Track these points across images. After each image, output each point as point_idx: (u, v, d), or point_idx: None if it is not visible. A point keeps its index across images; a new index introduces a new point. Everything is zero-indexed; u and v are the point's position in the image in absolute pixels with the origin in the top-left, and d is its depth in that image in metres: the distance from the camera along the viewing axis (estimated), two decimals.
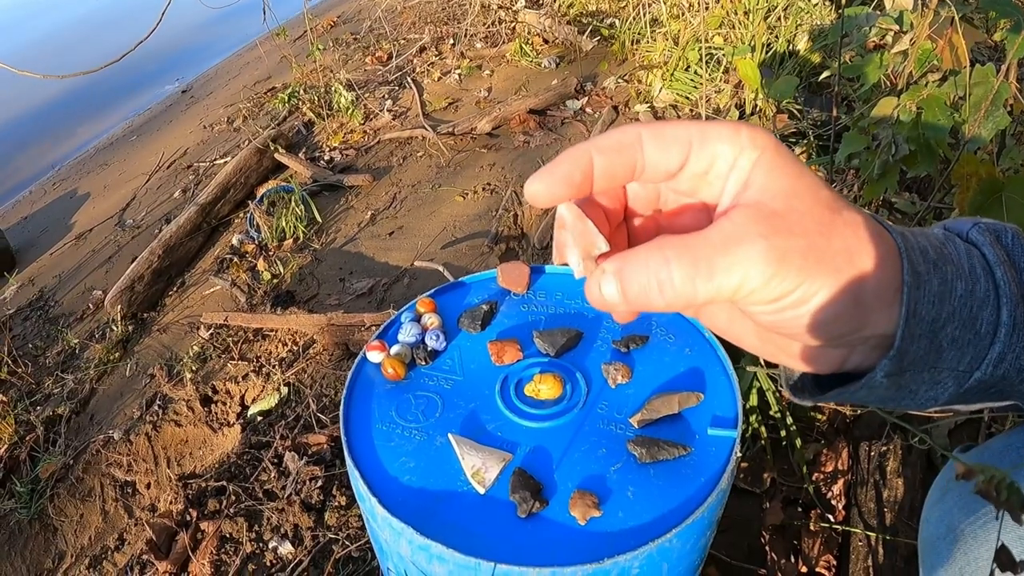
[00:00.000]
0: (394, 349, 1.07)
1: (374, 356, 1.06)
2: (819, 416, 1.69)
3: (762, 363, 1.58)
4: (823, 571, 1.45)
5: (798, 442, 1.58)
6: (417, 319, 1.12)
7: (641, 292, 0.42)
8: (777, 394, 1.61)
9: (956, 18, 1.38)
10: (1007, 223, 0.51)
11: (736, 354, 1.67)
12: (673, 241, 0.42)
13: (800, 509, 1.57)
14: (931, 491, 0.80)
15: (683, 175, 0.44)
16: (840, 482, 1.57)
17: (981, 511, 0.70)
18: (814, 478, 1.58)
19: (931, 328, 0.45)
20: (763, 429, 1.60)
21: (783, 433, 1.60)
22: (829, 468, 1.59)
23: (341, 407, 0.99)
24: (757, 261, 0.40)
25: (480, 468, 0.88)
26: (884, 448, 1.54)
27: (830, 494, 1.56)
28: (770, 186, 0.42)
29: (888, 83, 1.65)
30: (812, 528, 1.50)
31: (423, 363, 1.06)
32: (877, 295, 0.44)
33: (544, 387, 0.98)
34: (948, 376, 0.48)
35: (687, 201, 0.47)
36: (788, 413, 1.59)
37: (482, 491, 0.87)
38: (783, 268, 0.40)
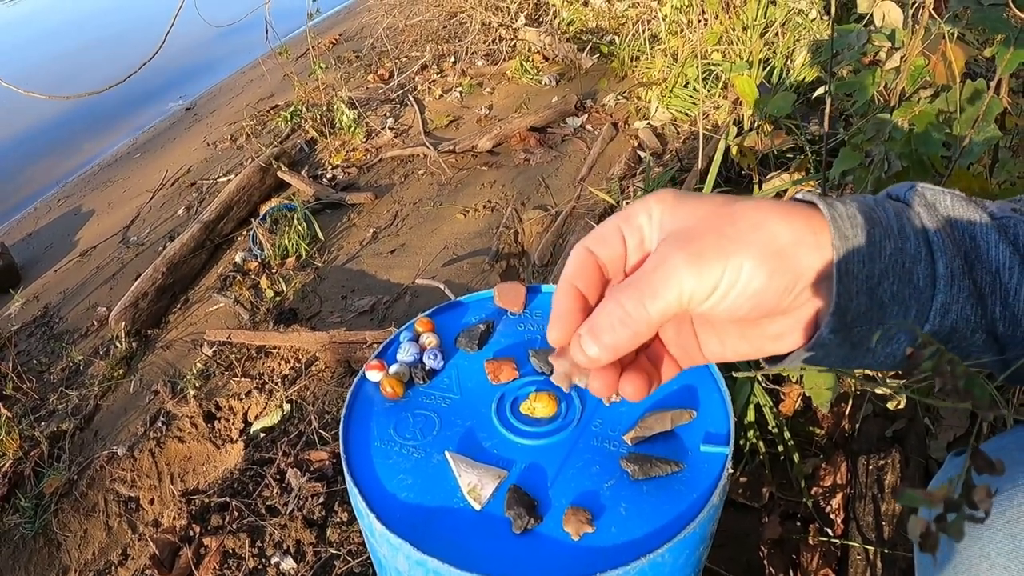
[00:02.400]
0: (393, 368, 1.08)
1: (373, 375, 1.07)
2: (818, 431, 1.70)
3: (759, 378, 1.59)
4: None
5: (796, 456, 1.59)
6: (415, 339, 1.14)
7: (610, 333, 0.52)
8: (774, 409, 1.62)
9: (946, 34, 1.40)
10: (952, 190, 0.55)
11: (730, 364, 1.68)
12: (619, 286, 0.52)
13: (799, 523, 1.58)
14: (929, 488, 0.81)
15: (629, 252, 0.55)
16: (839, 496, 1.58)
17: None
18: (812, 492, 1.59)
19: (867, 285, 0.50)
20: (761, 444, 1.61)
21: (781, 448, 1.60)
22: (828, 482, 1.60)
23: (340, 425, 1.01)
24: (681, 268, 0.49)
25: (476, 485, 0.89)
26: (882, 462, 1.54)
27: (828, 508, 1.57)
28: (676, 216, 0.52)
29: (882, 99, 1.66)
30: (810, 542, 1.51)
31: (421, 382, 1.07)
32: (796, 242, 0.50)
33: (539, 405, 0.99)
34: (899, 331, 0.53)
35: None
36: (786, 428, 1.60)
37: (478, 507, 0.88)
38: (704, 262, 0.49)
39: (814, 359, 0.55)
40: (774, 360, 0.59)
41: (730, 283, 0.49)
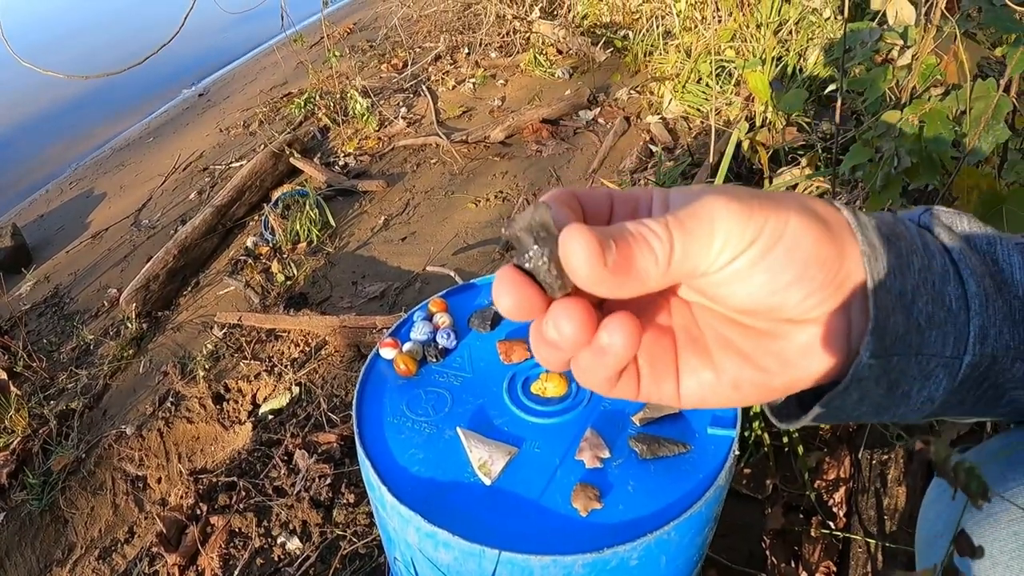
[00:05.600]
0: (406, 346, 1.10)
1: (387, 352, 1.09)
2: (822, 425, 1.71)
3: None
4: None
5: (800, 449, 1.60)
6: (429, 318, 1.16)
7: (624, 242, 0.39)
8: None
9: (959, 33, 1.41)
10: (963, 212, 0.50)
11: None
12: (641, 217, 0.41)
13: (801, 515, 1.59)
14: (928, 491, 0.81)
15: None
16: (841, 490, 1.59)
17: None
18: (816, 485, 1.60)
19: (901, 302, 0.44)
20: (766, 436, 1.62)
21: (786, 440, 1.62)
22: (831, 476, 1.61)
23: (354, 400, 1.03)
24: (720, 207, 0.39)
25: (487, 460, 0.91)
26: (886, 457, 1.56)
27: (831, 501, 1.58)
28: (695, 187, 0.42)
29: (893, 97, 1.68)
30: (813, 534, 1.52)
31: (434, 360, 1.09)
32: (839, 225, 0.43)
33: (550, 385, 1.01)
34: (938, 366, 0.46)
35: None
36: None
37: (488, 482, 0.90)
38: (746, 207, 0.40)
39: (845, 406, 0.47)
40: (786, 417, 0.52)
41: (773, 237, 0.40)
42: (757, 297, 0.42)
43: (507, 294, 0.39)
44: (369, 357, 1.10)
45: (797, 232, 0.41)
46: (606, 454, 0.91)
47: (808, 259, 0.41)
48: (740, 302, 0.43)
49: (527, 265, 0.39)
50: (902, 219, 0.47)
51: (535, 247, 0.38)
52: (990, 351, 0.46)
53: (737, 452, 0.92)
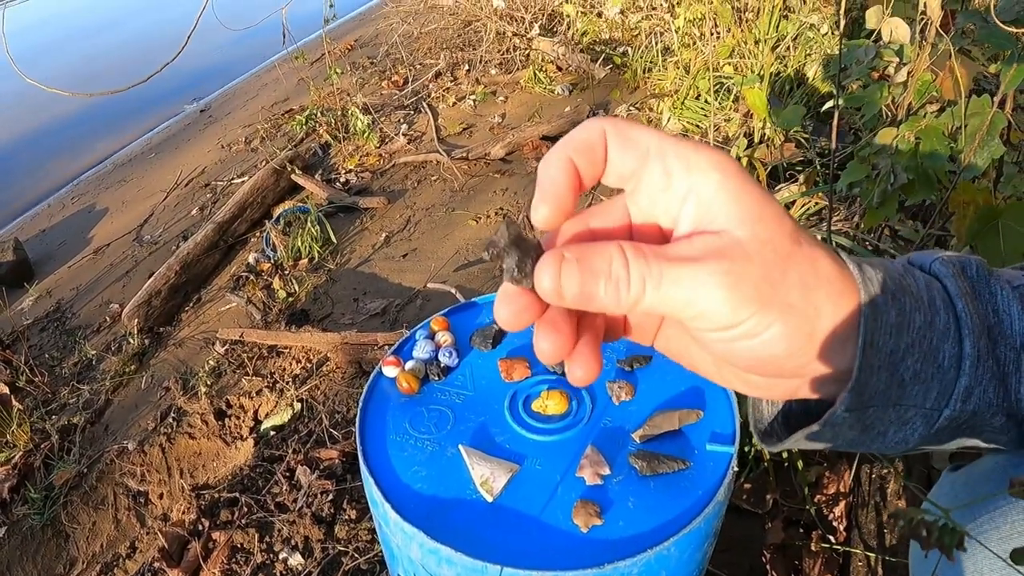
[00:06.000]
0: (409, 365, 1.11)
1: (389, 371, 1.10)
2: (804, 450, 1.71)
3: None
4: None
5: (800, 464, 1.60)
6: (431, 336, 1.17)
7: (598, 284, 0.40)
8: None
9: (953, 51, 1.42)
10: (972, 256, 0.50)
11: None
12: (629, 243, 0.41)
13: (802, 530, 1.59)
14: (923, 507, 0.82)
15: (641, 188, 0.43)
16: (842, 504, 1.59)
17: (968, 526, 0.72)
18: (816, 500, 1.61)
19: (890, 360, 0.44)
20: (766, 451, 1.63)
21: (785, 455, 1.62)
22: (831, 490, 1.62)
23: (357, 418, 1.04)
24: (711, 281, 0.39)
25: (488, 478, 0.92)
26: (885, 471, 1.56)
27: (831, 515, 1.59)
28: (734, 211, 0.41)
29: (890, 113, 1.69)
30: (813, 548, 1.52)
31: (436, 378, 1.10)
32: (833, 332, 0.43)
33: (551, 403, 1.02)
34: (916, 415, 0.47)
35: (646, 222, 0.46)
36: None
37: (490, 499, 0.91)
38: (736, 294, 0.40)
39: (819, 438, 0.48)
40: (769, 438, 0.54)
41: (748, 333, 0.41)
42: (720, 353, 0.45)
43: (502, 306, 0.43)
44: (372, 375, 1.11)
45: (774, 338, 0.42)
46: (606, 471, 0.92)
47: (775, 355, 0.43)
48: (706, 345, 0.45)
49: (515, 277, 0.42)
50: (911, 270, 0.48)
51: (515, 262, 0.42)
52: (972, 408, 0.47)
53: (736, 468, 0.93)
